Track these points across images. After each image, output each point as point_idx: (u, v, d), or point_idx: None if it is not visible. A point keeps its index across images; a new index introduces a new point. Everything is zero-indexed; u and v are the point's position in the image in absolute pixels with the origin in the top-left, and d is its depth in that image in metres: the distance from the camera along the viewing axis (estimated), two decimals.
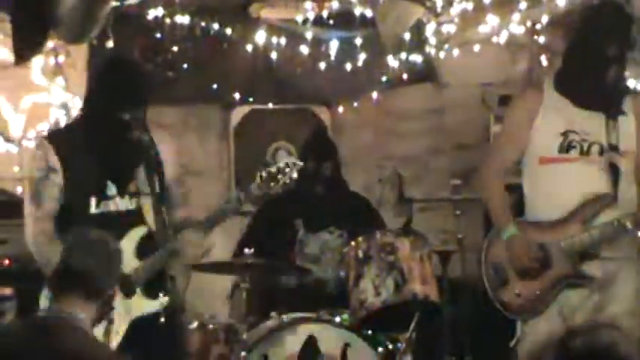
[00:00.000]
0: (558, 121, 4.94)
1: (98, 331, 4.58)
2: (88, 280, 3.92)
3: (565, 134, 4.91)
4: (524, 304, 4.93)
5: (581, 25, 5.03)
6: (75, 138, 4.97)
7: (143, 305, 4.88)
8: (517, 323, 5.06)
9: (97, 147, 4.88)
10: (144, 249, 4.87)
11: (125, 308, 4.84)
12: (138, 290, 4.88)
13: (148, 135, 4.96)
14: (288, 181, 5.20)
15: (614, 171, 4.91)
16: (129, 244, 4.86)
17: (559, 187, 4.94)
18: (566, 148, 4.91)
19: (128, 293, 4.85)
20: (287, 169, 5.18)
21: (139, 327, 4.86)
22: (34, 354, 3.66)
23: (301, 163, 5.32)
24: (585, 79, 4.91)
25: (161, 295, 4.86)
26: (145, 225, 4.80)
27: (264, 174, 5.13)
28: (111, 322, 4.69)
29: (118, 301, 4.75)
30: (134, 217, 4.89)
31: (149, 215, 4.79)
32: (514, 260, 4.93)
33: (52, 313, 3.95)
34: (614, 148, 4.90)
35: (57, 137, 5.09)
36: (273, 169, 5.15)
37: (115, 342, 4.73)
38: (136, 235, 4.90)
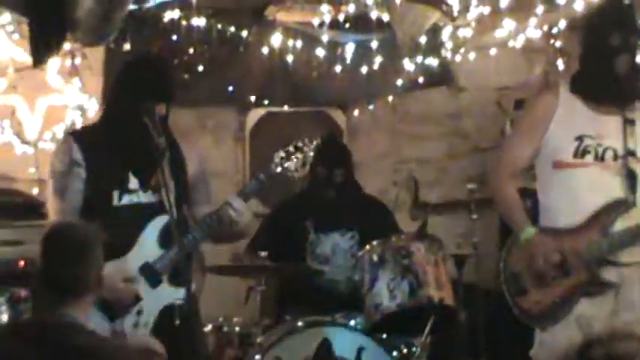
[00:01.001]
0: (574, 126, 4.94)
1: (128, 323, 4.76)
2: (65, 276, 3.93)
3: (580, 139, 4.91)
4: (543, 311, 4.92)
5: (587, 24, 5.06)
6: (99, 134, 5.02)
7: (171, 294, 4.85)
8: (535, 330, 5.04)
9: (120, 142, 4.93)
10: (166, 238, 4.87)
11: (153, 298, 4.85)
12: (164, 280, 4.88)
13: (170, 133, 5.00)
14: (305, 160, 5.17)
15: (631, 176, 4.91)
16: (151, 233, 4.89)
17: (573, 192, 4.94)
18: (581, 153, 4.91)
19: (154, 283, 4.87)
20: (305, 147, 5.18)
21: (167, 316, 4.84)
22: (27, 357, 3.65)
23: (318, 140, 5.30)
24: (598, 75, 4.91)
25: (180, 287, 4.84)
26: (165, 215, 4.79)
27: (282, 153, 5.13)
28: (140, 313, 4.81)
29: (145, 291, 4.83)
30: (156, 209, 4.90)
31: (170, 208, 4.75)
32: (532, 263, 4.91)
33: (49, 313, 3.95)
34: (631, 153, 4.90)
35: (81, 134, 5.17)
36: (291, 148, 5.16)
37: (145, 333, 4.76)
38: (158, 223, 4.90)
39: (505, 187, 5.08)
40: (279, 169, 5.12)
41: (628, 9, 5.01)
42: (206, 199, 5.19)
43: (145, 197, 4.95)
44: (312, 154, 5.19)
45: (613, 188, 4.89)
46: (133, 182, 4.94)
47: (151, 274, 4.86)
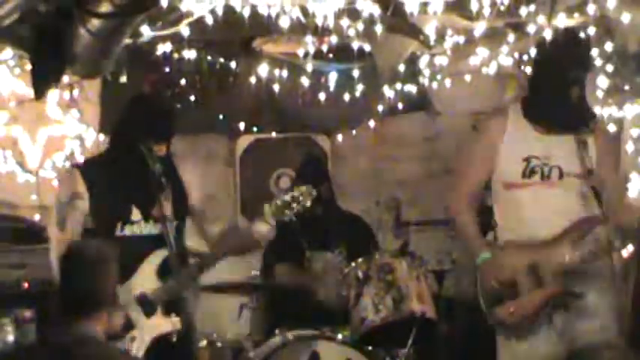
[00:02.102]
0: (522, 147, 5.06)
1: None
2: (84, 294, 4.05)
3: (527, 160, 5.03)
4: (518, 321, 4.99)
5: (542, 55, 5.15)
6: (102, 167, 5.18)
7: (163, 324, 5.02)
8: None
9: (123, 176, 5.07)
10: (165, 271, 5.02)
11: (146, 327, 5.00)
12: (158, 310, 5.03)
13: (172, 165, 5.21)
14: (301, 209, 5.27)
15: (596, 194, 5.02)
16: (151, 265, 5.05)
17: (520, 210, 5.06)
18: (529, 173, 5.03)
19: (149, 313, 5.01)
20: (301, 198, 5.27)
21: (160, 345, 5.00)
22: None
23: (315, 192, 5.36)
24: (551, 104, 5.03)
25: (173, 315, 5.02)
26: (166, 248, 4.95)
27: (279, 202, 5.22)
28: (132, 340, 4.93)
29: (139, 320, 4.98)
30: (156, 241, 5.04)
31: (169, 241, 4.95)
32: (497, 279, 5.00)
33: (65, 329, 4.06)
34: (590, 172, 5.02)
35: (85, 166, 5.31)
36: (288, 198, 5.25)
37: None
38: (157, 257, 5.06)
39: (463, 213, 5.18)
40: (272, 219, 5.22)
41: (585, 43, 5.15)
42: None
43: (146, 229, 5.11)
44: (309, 203, 5.29)
45: (559, 205, 5.02)
46: (135, 213, 5.09)
47: (146, 303, 5.01)
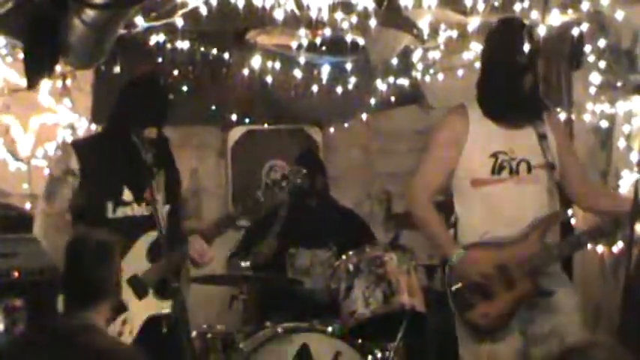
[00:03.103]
0: (488, 144, 4.98)
1: (112, 331, 4.83)
2: (89, 280, 4.06)
3: (495, 155, 4.95)
4: (491, 323, 4.92)
5: (488, 44, 5.10)
6: (97, 147, 5.21)
7: (155, 306, 5.06)
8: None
9: (117, 157, 5.10)
10: (155, 252, 5.04)
11: (138, 309, 5.04)
12: (150, 291, 5.08)
13: (168, 150, 5.24)
14: (292, 187, 5.34)
15: (559, 188, 5.01)
16: (141, 247, 5.08)
17: (492, 207, 4.96)
18: (498, 169, 4.94)
19: (141, 294, 5.05)
20: (290, 176, 5.36)
21: (152, 329, 5.03)
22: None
23: (304, 171, 5.44)
24: (502, 92, 4.97)
25: (165, 300, 5.05)
26: (156, 230, 4.93)
27: (269, 182, 5.36)
28: (125, 322, 4.97)
29: (132, 302, 5.01)
30: (147, 222, 5.04)
31: (162, 222, 4.94)
32: (467, 281, 4.92)
33: (67, 318, 4.10)
34: (552, 167, 4.98)
35: (81, 144, 5.34)
36: (278, 176, 5.35)
37: (129, 341, 4.93)
38: (148, 239, 5.08)
39: (425, 211, 5.04)
40: (265, 197, 5.30)
41: (528, 28, 5.05)
42: (196, 212, 5.39)
43: (138, 210, 5.13)
44: (299, 181, 5.34)
45: (529, 200, 4.95)
46: (127, 195, 5.11)
47: (138, 285, 5.04)
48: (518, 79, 4.92)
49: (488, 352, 4.96)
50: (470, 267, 4.91)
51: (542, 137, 5.01)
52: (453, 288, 4.99)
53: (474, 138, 5.01)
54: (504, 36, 5.01)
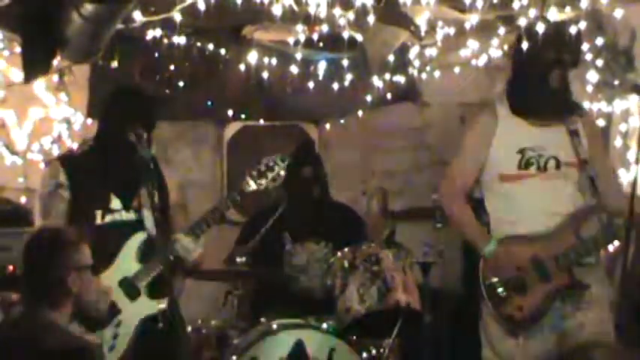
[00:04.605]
0: (515, 140, 5.09)
1: (107, 334, 4.91)
2: (40, 280, 4.08)
3: (522, 151, 5.06)
4: (527, 316, 5.00)
5: (520, 43, 5.15)
6: (84, 160, 5.24)
7: (149, 306, 5.08)
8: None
9: (106, 167, 5.14)
10: (145, 253, 5.09)
11: (132, 310, 5.05)
12: (143, 293, 5.09)
13: (153, 156, 5.17)
14: (277, 177, 5.41)
15: (592, 183, 5.04)
16: (131, 249, 5.11)
17: (519, 202, 5.07)
18: (524, 164, 5.05)
19: (132, 296, 5.07)
20: (275, 166, 5.41)
21: (147, 330, 5.06)
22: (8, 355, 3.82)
23: (288, 159, 5.52)
24: (531, 91, 5.07)
25: (159, 300, 5.08)
26: (145, 231, 5.01)
27: (254, 172, 5.35)
28: (119, 324, 4.97)
29: (124, 304, 5.03)
30: (136, 226, 5.12)
31: (150, 226, 4.99)
32: (501, 275, 5.01)
33: (28, 315, 4.11)
34: (585, 162, 5.04)
35: (67, 159, 5.36)
36: (262, 167, 5.39)
37: (124, 343, 4.97)
38: (136, 240, 5.12)
39: (459, 207, 5.21)
40: (251, 188, 5.36)
41: (560, 26, 5.17)
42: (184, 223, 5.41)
43: (126, 216, 5.16)
44: (283, 172, 5.40)
45: (557, 196, 5.05)
46: (116, 203, 5.15)
47: (129, 287, 5.07)
48: (547, 77, 5.00)
49: (522, 347, 5.01)
50: (504, 261, 5.01)
51: (573, 134, 5.07)
52: (488, 282, 5.06)
53: (501, 133, 5.13)
54: (534, 34, 5.07)
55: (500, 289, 5.05)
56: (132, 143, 4.94)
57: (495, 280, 5.05)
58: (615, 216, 4.99)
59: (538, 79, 5.04)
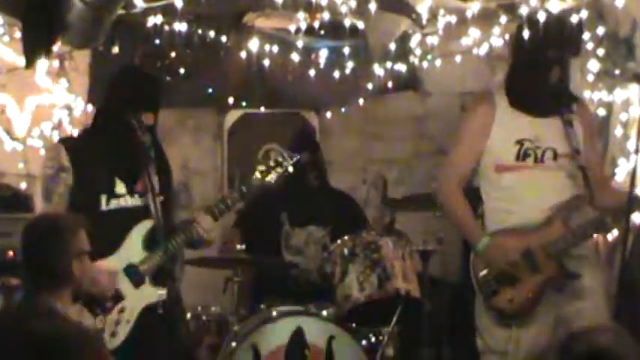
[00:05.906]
0: (513, 131, 5.10)
1: (110, 320, 4.90)
2: (39, 266, 4.10)
3: (520, 142, 5.07)
4: (518, 308, 5.04)
5: (520, 37, 5.14)
6: (87, 142, 5.21)
7: (152, 293, 5.07)
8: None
9: (109, 150, 5.09)
10: (151, 241, 5.06)
11: (135, 297, 5.04)
12: (147, 280, 5.08)
13: (157, 139, 5.21)
14: (285, 173, 5.39)
15: (583, 173, 5.05)
16: (137, 236, 5.08)
17: (516, 193, 5.09)
18: (522, 156, 5.06)
19: (137, 283, 5.06)
20: (284, 162, 5.38)
21: (149, 316, 5.05)
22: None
23: (297, 156, 5.49)
24: (531, 86, 5.08)
25: (161, 287, 5.05)
26: (151, 219, 4.99)
27: (262, 167, 5.34)
28: (122, 311, 4.97)
29: (128, 290, 5.02)
30: (141, 212, 5.08)
31: (156, 212, 4.96)
32: (493, 268, 5.03)
33: (27, 301, 4.13)
34: (577, 152, 5.06)
35: (70, 141, 5.36)
36: (271, 162, 5.36)
37: (126, 329, 4.96)
38: (143, 228, 5.09)
39: (455, 198, 5.20)
40: (259, 183, 5.35)
41: (561, 21, 5.18)
42: (187, 203, 5.40)
43: (132, 201, 5.12)
44: (291, 169, 5.38)
45: (553, 187, 5.07)
46: (120, 187, 5.11)
47: (134, 274, 5.05)
48: (547, 75, 5.01)
49: (515, 338, 5.03)
50: (495, 254, 5.02)
51: (567, 124, 5.07)
52: (479, 275, 5.08)
53: (499, 124, 5.13)
54: (534, 28, 5.07)
55: (490, 282, 5.07)
56: (133, 127, 4.95)
57: (485, 272, 5.09)
58: (599, 210, 5.04)
59: (538, 77, 5.05)
